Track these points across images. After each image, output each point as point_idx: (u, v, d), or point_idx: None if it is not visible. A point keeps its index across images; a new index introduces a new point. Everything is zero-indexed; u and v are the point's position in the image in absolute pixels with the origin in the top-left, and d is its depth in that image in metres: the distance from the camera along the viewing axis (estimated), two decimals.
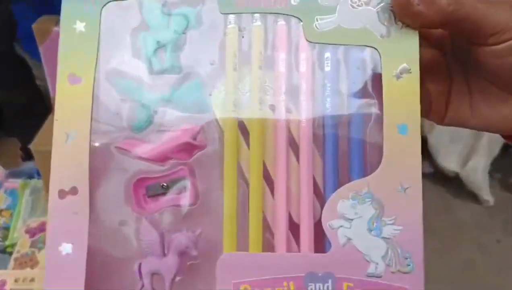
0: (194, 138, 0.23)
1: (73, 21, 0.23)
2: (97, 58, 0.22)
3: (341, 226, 0.21)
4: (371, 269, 0.20)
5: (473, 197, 1.65)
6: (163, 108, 0.23)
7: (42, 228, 0.87)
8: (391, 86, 0.21)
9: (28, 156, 1.26)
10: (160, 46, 0.23)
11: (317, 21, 0.22)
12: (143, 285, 0.22)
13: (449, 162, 1.59)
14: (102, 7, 0.22)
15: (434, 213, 1.59)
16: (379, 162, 0.21)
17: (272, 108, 0.23)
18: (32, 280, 0.74)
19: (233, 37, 0.23)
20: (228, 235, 0.22)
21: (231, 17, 0.23)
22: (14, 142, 1.31)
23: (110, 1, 0.23)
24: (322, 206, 0.22)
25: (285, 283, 0.20)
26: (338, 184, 0.22)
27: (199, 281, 0.22)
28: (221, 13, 0.23)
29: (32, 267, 0.79)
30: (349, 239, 0.21)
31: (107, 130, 0.23)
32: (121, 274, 0.23)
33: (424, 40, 0.23)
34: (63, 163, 0.23)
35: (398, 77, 0.21)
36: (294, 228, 0.22)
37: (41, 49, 0.86)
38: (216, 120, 0.23)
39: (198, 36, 0.23)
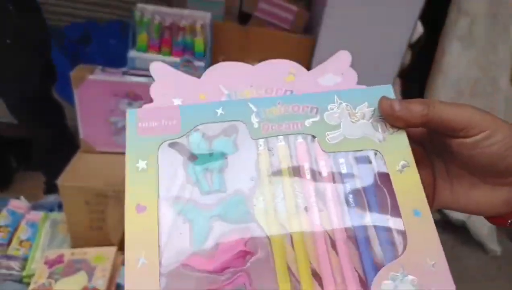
0: (246, 246, 0.26)
1: (136, 161, 0.27)
2: (158, 189, 0.26)
3: None
4: None
5: (480, 246, 1.62)
6: (216, 223, 0.27)
7: (60, 260, 0.89)
8: (397, 179, 0.26)
9: (49, 190, 1.31)
10: (207, 172, 0.28)
11: (327, 136, 0.28)
12: None
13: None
14: (159, 147, 0.28)
15: None
16: (403, 244, 0.25)
17: (306, 209, 0.27)
18: None
19: (265, 156, 0.29)
20: None
21: (261, 141, 0.29)
22: (38, 175, 1.36)
23: (165, 141, 0.28)
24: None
25: None
26: (376, 270, 0.24)
27: None
28: (252, 139, 0.29)
29: None
30: None
31: (174, 251, 0.26)
32: None
33: (408, 138, 0.28)
34: (137, 285, 0.24)
35: (400, 171, 0.27)
36: None
37: (76, 94, 0.93)
38: (261, 227, 0.26)
39: (236, 159, 0.28)
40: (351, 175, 0.28)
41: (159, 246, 0.25)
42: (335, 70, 0.33)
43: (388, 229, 0.26)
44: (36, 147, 1.28)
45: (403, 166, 0.27)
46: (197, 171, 0.28)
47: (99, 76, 0.94)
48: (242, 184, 0.28)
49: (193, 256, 0.26)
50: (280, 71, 0.32)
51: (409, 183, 0.26)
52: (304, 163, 0.28)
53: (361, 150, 0.28)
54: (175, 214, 0.27)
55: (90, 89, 0.92)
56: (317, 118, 0.29)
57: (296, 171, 0.28)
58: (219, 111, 0.29)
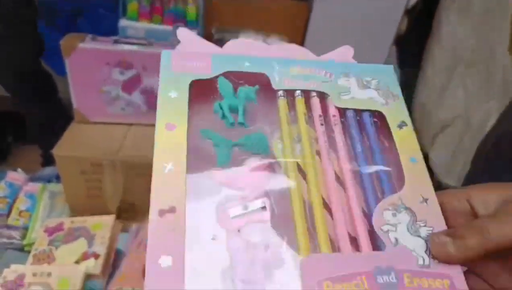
0: (266, 170, 0.29)
1: (168, 90, 0.30)
2: (188, 114, 0.29)
3: (388, 230, 0.26)
4: (419, 261, 0.25)
5: None
6: (239, 151, 0.29)
7: (60, 228, 0.90)
8: (397, 134, 0.30)
9: (47, 162, 1.31)
10: (232, 110, 0.31)
11: (339, 95, 0.32)
12: None
13: (450, 178, 1.59)
14: (190, 82, 0.30)
15: None
16: (402, 183, 0.28)
17: (318, 153, 0.30)
18: (49, 274, 0.77)
19: (284, 105, 0.32)
20: (303, 245, 0.26)
21: (281, 92, 0.32)
22: (34, 149, 1.36)
23: (196, 79, 0.31)
24: (368, 222, 0.27)
25: (358, 277, 0.23)
26: (377, 202, 0.28)
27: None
28: (274, 88, 0.32)
29: (49, 263, 0.82)
30: (397, 239, 0.25)
31: (200, 164, 0.28)
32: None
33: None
34: (163, 187, 0.26)
35: (400, 127, 0.31)
36: (352, 241, 0.27)
37: (66, 63, 0.92)
38: (279, 162, 0.29)
39: (258, 105, 0.32)
40: (358, 127, 0.32)
41: (187, 156, 0.27)
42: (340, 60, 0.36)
43: (389, 172, 0.30)
44: (30, 120, 1.27)
45: (401, 125, 0.31)
46: (223, 107, 0.31)
47: (89, 44, 0.92)
48: (263, 125, 0.31)
49: (217, 170, 0.28)
50: (292, 53, 0.35)
51: (406, 137, 0.30)
52: (318, 113, 0.32)
53: (367, 109, 0.32)
54: (200, 137, 0.29)
55: (81, 58, 0.91)
56: (331, 81, 0.33)
57: (310, 120, 0.32)
58: (246, 63, 0.32)
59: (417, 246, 0.25)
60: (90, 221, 0.92)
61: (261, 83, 0.32)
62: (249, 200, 0.27)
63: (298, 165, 0.29)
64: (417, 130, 0.30)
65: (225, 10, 1.31)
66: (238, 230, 0.26)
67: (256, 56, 0.33)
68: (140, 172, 0.94)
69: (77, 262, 0.82)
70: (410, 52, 1.66)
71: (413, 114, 1.63)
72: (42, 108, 1.23)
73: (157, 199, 0.26)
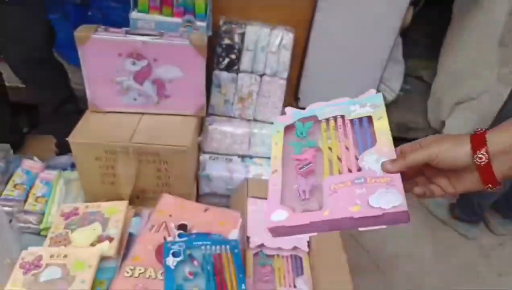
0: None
1: (274, 131, 0.61)
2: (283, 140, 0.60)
3: (365, 163, 0.49)
4: (378, 174, 0.48)
5: None
6: (304, 146, 0.59)
7: (75, 212, 0.93)
8: (377, 122, 0.53)
9: (61, 151, 1.35)
10: (301, 132, 0.60)
11: (349, 114, 0.57)
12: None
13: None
14: (284, 127, 0.61)
15: None
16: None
17: (339, 140, 0.55)
18: (66, 256, 0.80)
19: (324, 125, 0.59)
20: (326, 173, 0.52)
21: (323, 119, 0.60)
22: (49, 139, 1.40)
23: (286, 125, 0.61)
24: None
25: (349, 182, 0.48)
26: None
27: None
28: (319, 119, 0.59)
29: (65, 245, 0.85)
30: (369, 167, 0.48)
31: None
32: None
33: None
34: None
35: (379, 119, 0.53)
36: (349, 170, 0.51)
37: (80, 53, 0.94)
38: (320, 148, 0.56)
39: (313, 128, 0.60)
40: (359, 126, 0.54)
41: None
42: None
43: (372, 138, 0.52)
44: (43, 109, 1.30)
45: (380, 118, 0.52)
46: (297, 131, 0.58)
47: (102, 35, 0.94)
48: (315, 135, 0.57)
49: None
50: None
51: (382, 124, 0.52)
52: (339, 124, 0.56)
53: (365, 116, 0.54)
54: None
55: (94, 48, 0.93)
56: (346, 108, 0.56)
57: (337, 127, 0.56)
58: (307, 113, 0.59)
59: (378, 169, 0.47)
60: (104, 206, 0.95)
61: (313, 119, 0.57)
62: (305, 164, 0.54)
63: (329, 147, 0.54)
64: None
65: (232, 3, 1.32)
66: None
67: (313, 109, 0.58)
68: (150, 159, 0.97)
69: (92, 244, 0.86)
70: (415, 43, 1.67)
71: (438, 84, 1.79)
72: (55, 96, 1.26)
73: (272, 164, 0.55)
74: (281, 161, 0.53)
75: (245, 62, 1.26)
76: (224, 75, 1.27)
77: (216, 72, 1.27)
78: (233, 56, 1.26)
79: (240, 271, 0.78)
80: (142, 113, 1.06)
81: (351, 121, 0.54)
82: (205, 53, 0.99)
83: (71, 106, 1.30)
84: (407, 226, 1.44)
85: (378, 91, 1.64)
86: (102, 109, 1.03)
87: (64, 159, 1.25)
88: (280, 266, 0.88)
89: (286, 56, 1.28)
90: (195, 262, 0.78)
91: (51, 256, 0.81)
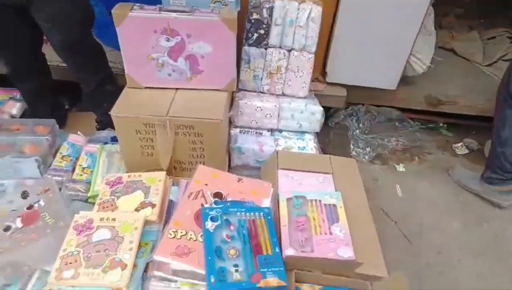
0: None
1: None
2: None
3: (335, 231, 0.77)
4: None
5: None
6: None
7: (119, 181, 0.99)
8: None
9: (101, 126, 1.41)
10: None
11: None
12: None
13: None
14: None
15: None
16: None
17: None
18: (114, 219, 0.87)
19: None
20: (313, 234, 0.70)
21: None
22: (89, 115, 1.47)
23: None
24: None
25: None
26: None
27: None
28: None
29: (112, 210, 0.92)
30: (336, 234, 0.84)
31: None
32: None
33: None
34: None
35: None
36: None
37: (118, 31, 0.97)
38: None
39: None
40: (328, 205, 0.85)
41: None
42: None
43: (336, 216, 0.86)
44: (85, 88, 1.35)
45: (340, 207, 0.90)
46: None
47: (138, 12, 0.97)
48: None
49: None
50: None
51: (342, 210, 0.90)
52: None
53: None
54: None
55: (131, 26, 0.96)
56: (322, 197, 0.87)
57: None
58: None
59: (342, 235, 0.83)
60: (144, 176, 1.00)
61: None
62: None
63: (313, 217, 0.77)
64: None
65: None
66: None
67: None
68: (186, 132, 1.01)
69: (136, 210, 0.91)
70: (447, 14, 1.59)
71: None
72: (96, 76, 1.31)
73: None
74: (287, 219, 0.88)
75: (274, 36, 1.26)
76: (253, 50, 1.28)
77: (245, 47, 1.28)
78: (261, 31, 1.26)
79: (273, 235, 0.82)
80: (176, 89, 1.10)
81: (325, 205, 0.92)
82: (235, 28, 1.00)
83: (110, 84, 1.35)
84: (438, 200, 1.41)
85: (408, 63, 1.60)
86: (139, 85, 1.08)
87: (104, 133, 1.32)
88: (315, 215, 0.91)
89: (314, 30, 1.26)
90: (231, 227, 0.83)
91: (101, 219, 0.87)
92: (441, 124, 1.91)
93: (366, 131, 1.75)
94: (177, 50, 1.02)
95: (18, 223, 0.90)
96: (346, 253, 0.82)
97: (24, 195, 0.96)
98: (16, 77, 1.34)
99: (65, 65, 1.35)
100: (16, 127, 1.20)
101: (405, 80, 1.71)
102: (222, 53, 1.03)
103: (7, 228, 0.88)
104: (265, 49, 1.28)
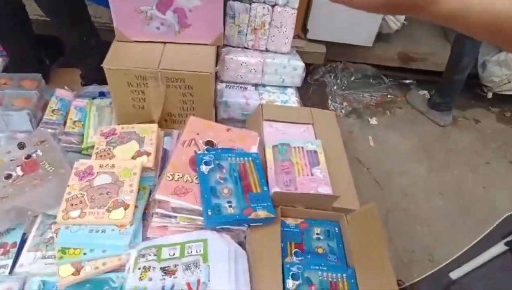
0: None
1: None
2: None
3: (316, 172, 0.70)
4: None
5: None
6: None
7: (113, 132, 1.03)
8: None
9: (86, 82, 1.41)
10: None
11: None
12: None
13: None
14: None
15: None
16: None
17: None
18: (113, 166, 0.91)
19: None
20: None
21: None
22: (73, 71, 1.45)
23: None
24: None
25: None
26: None
27: None
28: None
29: (110, 158, 0.96)
30: (317, 175, 0.87)
31: None
32: None
33: None
34: None
35: None
36: None
37: None
38: None
39: None
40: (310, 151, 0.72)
41: None
42: None
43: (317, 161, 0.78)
44: (68, 43, 1.33)
45: (320, 152, 0.93)
46: None
47: None
48: None
49: None
50: None
51: (322, 156, 0.93)
52: None
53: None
54: None
55: None
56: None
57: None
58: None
59: (322, 176, 0.90)
60: (137, 127, 1.04)
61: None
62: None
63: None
64: None
65: None
66: None
67: None
68: (177, 85, 1.04)
69: (133, 158, 0.96)
70: None
71: None
72: (79, 30, 1.28)
73: None
74: (273, 163, 0.95)
75: None
76: (238, 5, 1.29)
77: (230, 2, 1.28)
78: None
79: (261, 177, 0.90)
80: (164, 43, 1.11)
81: (307, 151, 1.00)
82: None
83: (94, 39, 1.33)
84: (405, 149, 1.54)
85: (384, 20, 1.66)
86: (128, 38, 1.08)
87: (91, 88, 1.32)
88: (298, 160, 0.99)
89: None
90: (224, 170, 0.90)
91: (101, 166, 0.92)
92: (412, 81, 2.02)
93: (343, 87, 1.83)
94: (166, 3, 1.03)
95: (19, 172, 0.93)
96: (325, 190, 0.92)
97: (21, 145, 0.99)
98: None
99: (45, 19, 1.31)
100: (3, 81, 1.19)
101: (380, 37, 1.78)
102: (210, 7, 1.04)
103: (8, 176, 0.91)
104: (250, 4, 1.29)
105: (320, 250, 0.87)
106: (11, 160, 0.95)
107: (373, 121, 1.78)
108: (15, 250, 0.83)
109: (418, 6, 0.34)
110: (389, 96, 1.90)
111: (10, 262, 0.81)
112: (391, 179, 1.51)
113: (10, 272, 0.79)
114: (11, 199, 0.87)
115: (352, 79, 1.86)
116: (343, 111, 1.77)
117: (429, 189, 1.50)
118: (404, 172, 1.55)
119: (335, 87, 1.81)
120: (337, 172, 0.99)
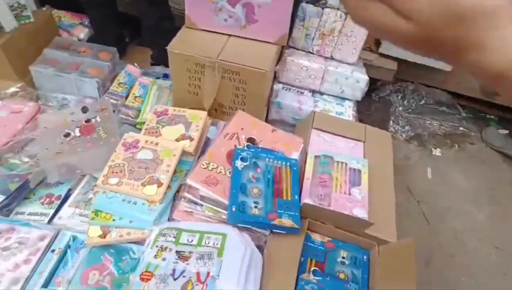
0: None
1: None
2: None
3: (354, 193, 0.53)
4: None
5: None
6: None
7: (165, 112, 1.07)
8: None
9: (155, 62, 1.49)
10: None
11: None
12: None
13: None
14: None
15: None
16: None
17: None
18: (157, 144, 0.95)
19: None
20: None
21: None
22: (147, 50, 1.55)
23: None
24: None
25: None
26: None
27: None
28: None
29: (156, 136, 1.00)
30: (355, 195, 0.81)
31: None
32: None
33: None
34: None
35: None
36: None
37: None
38: None
39: None
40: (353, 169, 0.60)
41: None
42: None
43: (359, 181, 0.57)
44: (145, 23, 1.42)
45: (364, 173, 0.92)
46: None
47: None
48: None
49: None
50: None
51: (365, 176, 0.89)
52: None
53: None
54: None
55: None
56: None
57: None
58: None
59: (360, 197, 0.80)
60: (188, 112, 1.07)
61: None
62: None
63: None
64: None
65: None
66: None
67: None
68: (232, 77, 1.05)
69: (176, 140, 0.99)
70: None
71: None
72: (157, 11, 1.36)
73: None
74: (311, 174, 0.92)
75: None
76: (310, 8, 1.26)
77: (303, 4, 1.26)
78: None
79: (295, 185, 0.87)
80: (229, 35, 1.13)
81: (350, 168, 0.94)
82: None
83: (169, 23, 1.40)
84: (468, 189, 1.40)
85: None
86: (196, 26, 1.12)
87: (157, 69, 1.39)
88: (339, 176, 0.94)
89: None
90: (258, 170, 0.88)
91: (146, 141, 0.96)
92: (492, 116, 1.81)
93: (410, 110, 1.71)
94: None
95: (77, 132, 1.01)
96: (360, 213, 0.85)
97: (84, 110, 1.07)
98: (87, 3, 1.43)
99: None
100: (83, 49, 1.30)
101: None
102: (279, 6, 1.03)
103: (67, 135, 1.00)
104: (322, 8, 1.26)
105: (342, 275, 0.81)
106: (73, 120, 1.04)
107: (437, 152, 1.63)
108: (58, 202, 0.91)
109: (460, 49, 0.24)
110: (461, 128, 1.73)
111: (51, 212, 0.88)
112: (443, 219, 1.37)
113: (49, 222, 0.86)
114: (64, 155, 0.95)
115: (422, 102, 1.72)
116: (404, 135, 1.64)
117: (484, 238, 1.33)
118: (459, 213, 1.40)
119: (400, 108, 1.69)
120: (379, 197, 0.92)
